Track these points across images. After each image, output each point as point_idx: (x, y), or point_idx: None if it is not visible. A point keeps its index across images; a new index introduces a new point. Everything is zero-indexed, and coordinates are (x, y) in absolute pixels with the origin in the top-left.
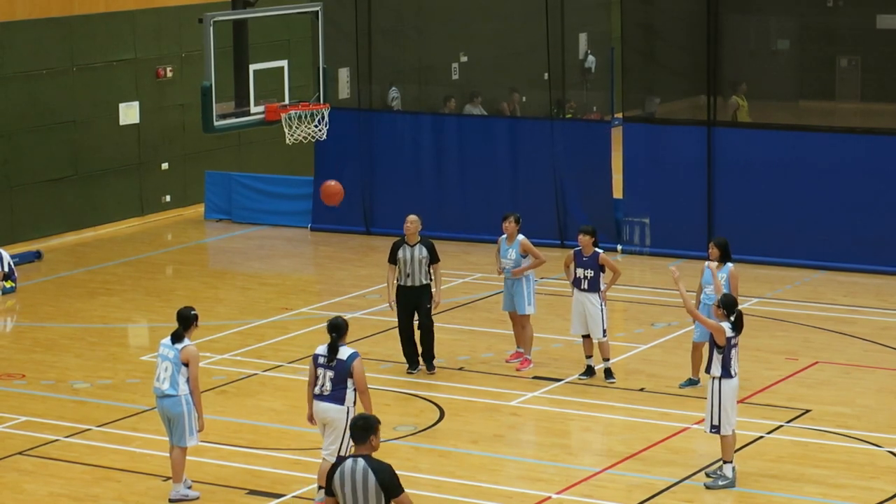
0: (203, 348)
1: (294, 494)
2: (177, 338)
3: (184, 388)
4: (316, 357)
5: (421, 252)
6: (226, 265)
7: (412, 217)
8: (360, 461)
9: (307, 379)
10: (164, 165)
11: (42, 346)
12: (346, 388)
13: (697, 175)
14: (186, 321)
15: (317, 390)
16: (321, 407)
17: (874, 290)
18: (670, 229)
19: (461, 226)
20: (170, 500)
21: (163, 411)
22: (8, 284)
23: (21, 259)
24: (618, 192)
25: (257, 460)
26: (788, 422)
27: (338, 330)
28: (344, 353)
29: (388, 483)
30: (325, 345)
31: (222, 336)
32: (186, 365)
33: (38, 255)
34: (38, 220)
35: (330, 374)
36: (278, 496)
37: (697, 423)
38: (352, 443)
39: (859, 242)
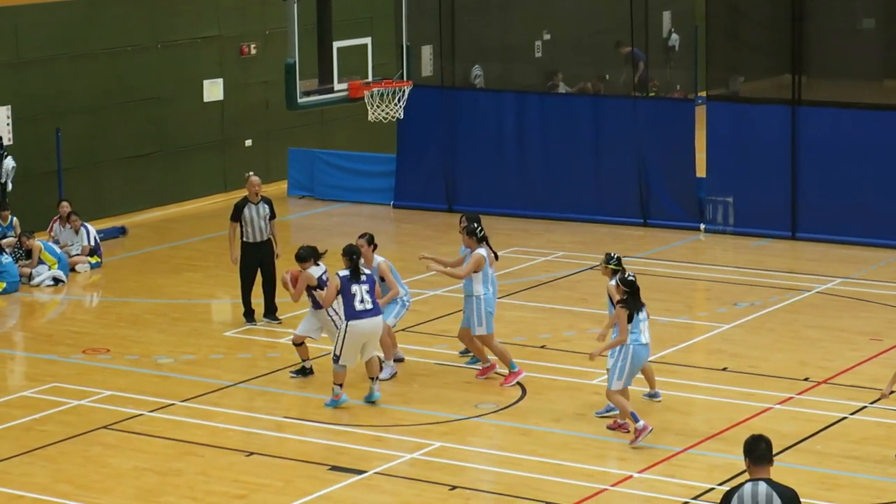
0: (286, 324)
1: (376, 471)
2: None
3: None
4: (345, 278)
5: (264, 210)
6: (308, 242)
7: (256, 178)
8: (762, 485)
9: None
10: (248, 142)
11: (126, 321)
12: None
13: (781, 154)
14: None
15: (360, 307)
16: (374, 322)
17: None
18: (754, 208)
19: (543, 204)
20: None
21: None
22: (93, 260)
23: (106, 234)
24: (701, 171)
25: (339, 436)
26: (872, 403)
27: (357, 252)
28: (364, 268)
29: None
30: (347, 269)
31: (304, 313)
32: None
33: (122, 231)
34: (123, 195)
35: (365, 287)
36: (360, 472)
37: (780, 403)
38: (749, 465)
39: None
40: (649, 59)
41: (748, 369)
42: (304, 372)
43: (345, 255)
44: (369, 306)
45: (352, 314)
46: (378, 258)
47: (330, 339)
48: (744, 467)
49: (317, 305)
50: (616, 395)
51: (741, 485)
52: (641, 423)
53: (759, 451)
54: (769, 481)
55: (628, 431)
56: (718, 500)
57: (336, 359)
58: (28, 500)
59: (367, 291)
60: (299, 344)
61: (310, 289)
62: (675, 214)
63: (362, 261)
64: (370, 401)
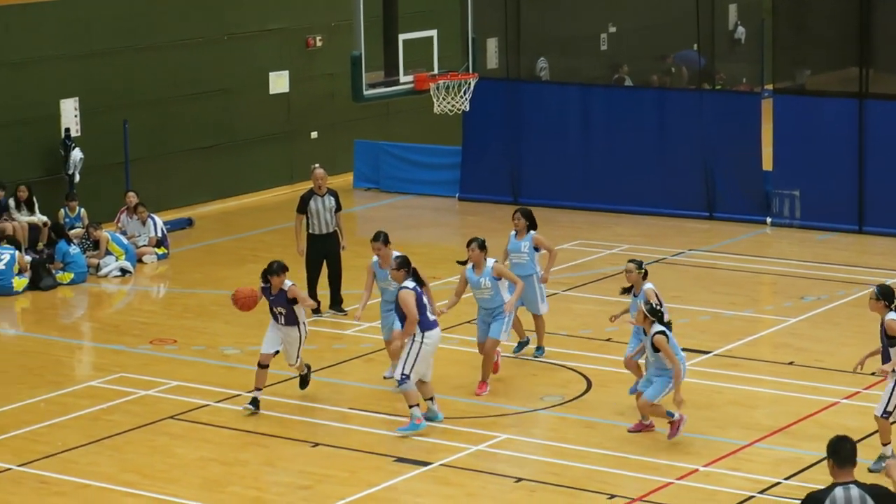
0: (352, 315)
1: (441, 462)
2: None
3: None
4: (416, 289)
5: (329, 202)
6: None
7: (321, 171)
8: (854, 489)
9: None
10: (314, 134)
11: (192, 312)
12: None
13: (848, 147)
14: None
15: (431, 317)
16: (438, 331)
17: None
18: (820, 202)
19: (608, 197)
20: None
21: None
22: (160, 251)
23: (173, 226)
24: (767, 165)
25: None
26: None
27: (408, 262)
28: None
29: None
30: (412, 280)
31: (370, 304)
32: None
33: (189, 223)
34: (189, 187)
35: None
36: (425, 464)
37: (847, 397)
38: (834, 468)
39: None
40: (715, 51)
41: (814, 363)
42: (257, 403)
43: (402, 268)
44: (433, 317)
45: (426, 324)
46: (490, 261)
47: (284, 357)
48: (809, 461)
49: (290, 320)
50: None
51: (829, 489)
52: (676, 414)
53: (844, 452)
54: (858, 483)
55: (652, 429)
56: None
57: (405, 378)
58: (94, 489)
59: (429, 300)
60: (265, 366)
61: (289, 302)
62: (741, 208)
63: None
64: (435, 421)
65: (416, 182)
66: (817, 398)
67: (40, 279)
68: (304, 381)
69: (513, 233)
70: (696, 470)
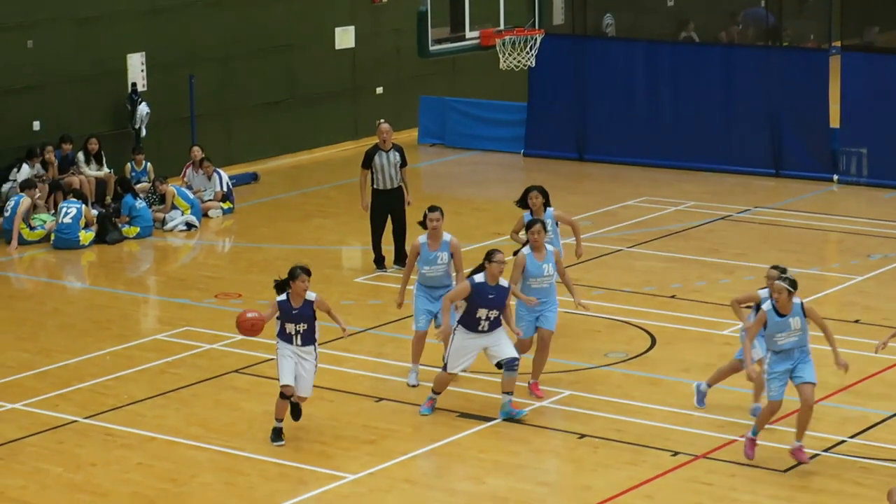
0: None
1: (502, 418)
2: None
3: None
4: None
5: (394, 157)
6: (439, 190)
7: (386, 126)
8: None
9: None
10: (379, 90)
11: (258, 266)
12: None
13: None
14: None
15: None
16: None
17: None
18: (888, 160)
19: (674, 154)
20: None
21: None
22: (226, 205)
23: (238, 181)
24: (835, 122)
25: (468, 384)
26: None
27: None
28: None
29: None
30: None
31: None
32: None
33: (254, 177)
34: (255, 142)
35: None
36: (488, 419)
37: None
38: None
39: None
40: (783, 8)
41: (881, 322)
42: (281, 434)
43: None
44: None
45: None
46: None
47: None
48: (875, 420)
49: (308, 339)
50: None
51: None
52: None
53: None
54: None
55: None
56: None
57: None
58: (160, 442)
59: None
60: (288, 396)
61: (313, 316)
62: (807, 165)
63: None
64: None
65: (481, 138)
66: (884, 356)
67: (106, 233)
68: (297, 410)
69: (527, 213)
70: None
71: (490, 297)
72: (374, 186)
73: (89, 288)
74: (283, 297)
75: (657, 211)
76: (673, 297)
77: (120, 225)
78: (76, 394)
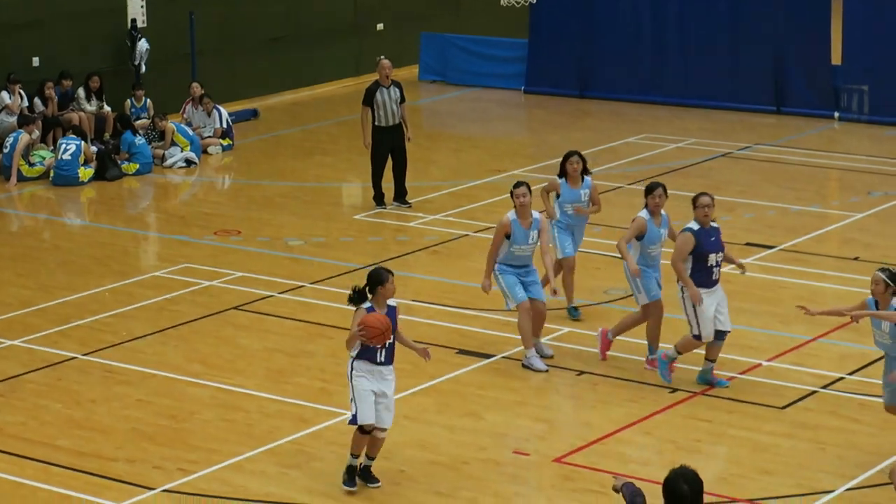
0: (416, 208)
1: (503, 355)
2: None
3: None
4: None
5: (395, 93)
6: (439, 127)
7: (387, 62)
8: None
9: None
10: (380, 26)
11: (258, 203)
12: None
13: None
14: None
15: None
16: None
17: None
18: (889, 97)
19: (676, 91)
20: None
21: None
22: (225, 142)
23: (238, 117)
24: (836, 59)
25: (467, 321)
26: None
27: None
28: None
29: None
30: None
31: (435, 197)
32: None
33: (254, 114)
34: (256, 79)
35: None
36: (488, 356)
37: None
38: None
39: None
40: None
41: (881, 259)
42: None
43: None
44: None
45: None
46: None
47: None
48: (873, 357)
49: (391, 356)
50: None
51: None
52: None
53: None
54: None
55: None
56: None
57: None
58: (160, 379)
59: None
60: (368, 432)
61: (395, 330)
62: (809, 102)
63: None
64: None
65: (481, 75)
66: None
67: (106, 170)
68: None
69: (562, 180)
70: (760, 364)
71: (712, 239)
72: (375, 123)
73: (89, 225)
74: (367, 304)
75: (658, 148)
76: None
77: (119, 161)
78: (76, 330)
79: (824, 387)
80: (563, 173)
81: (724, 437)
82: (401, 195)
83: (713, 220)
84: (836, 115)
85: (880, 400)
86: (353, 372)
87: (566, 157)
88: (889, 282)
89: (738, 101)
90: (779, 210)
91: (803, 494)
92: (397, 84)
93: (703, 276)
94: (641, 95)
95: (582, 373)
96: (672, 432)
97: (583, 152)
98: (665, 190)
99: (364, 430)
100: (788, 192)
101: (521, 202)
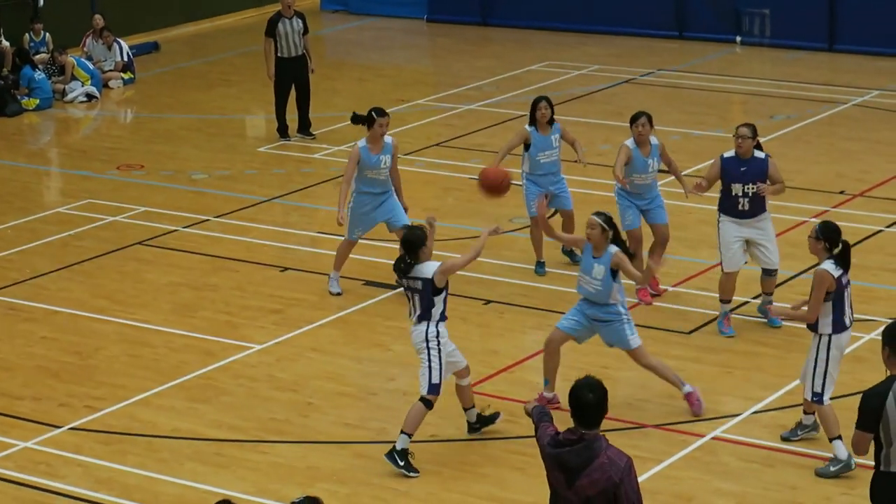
0: (320, 139)
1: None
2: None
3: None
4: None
5: (298, 24)
6: (342, 56)
7: None
8: None
9: None
10: None
11: (161, 136)
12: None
13: None
14: (360, 120)
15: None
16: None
17: None
18: (790, 20)
19: (578, 17)
20: None
21: None
22: (126, 76)
23: (138, 50)
24: None
25: (374, 251)
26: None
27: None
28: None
29: None
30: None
31: (339, 127)
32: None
33: (155, 47)
34: (155, 10)
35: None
36: (394, 287)
37: (815, 216)
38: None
39: None
40: None
41: (787, 183)
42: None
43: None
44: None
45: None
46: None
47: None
48: (780, 280)
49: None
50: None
51: (888, 382)
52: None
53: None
54: None
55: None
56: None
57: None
58: (65, 315)
59: None
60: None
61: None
62: (710, 26)
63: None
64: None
65: (384, 3)
66: (786, 217)
67: (5, 105)
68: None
69: (531, 128)
70: (666, 290)
71: (742, 170)
72: (278, 54)
73: None
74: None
75: (561, 75)
76: (576, 161)
77: (19, 97)
78: None
79: (730, 311)
80: (532, 121)
81: (631, 363)
82: (305, 126)
83: (764, 153)
84: (738, 38)
85: (787, 323)
86: (440, 338)
87: (535, 104)
88: (605, 226)
89: (641, 27)
90: (682, 135)
91: (711, 418)
92: (300, 15)
93: (729, 204)
94: (544, 22)
95: (489, 301)
96: (579, 359)
97: (487, 80)
98: (650, 119)
99: (430, 404)
100: (691, 116)
101: (380, 133)
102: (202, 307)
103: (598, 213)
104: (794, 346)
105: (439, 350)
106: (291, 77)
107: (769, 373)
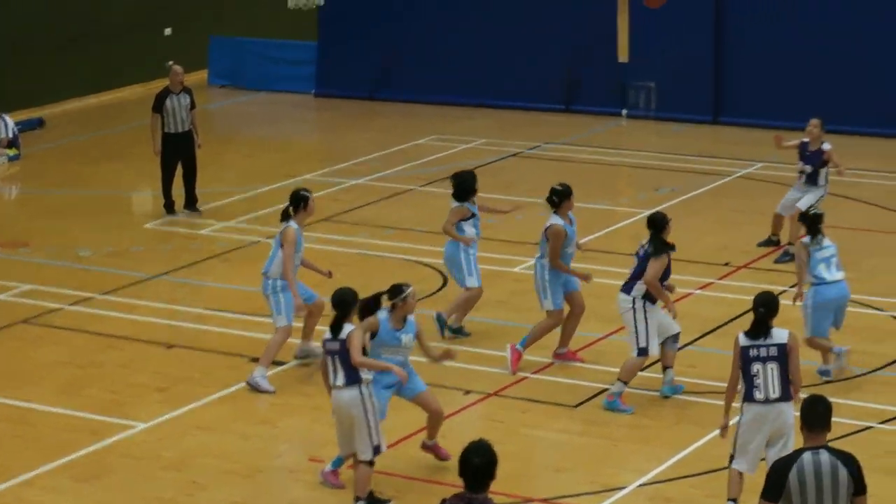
0: (207, 215)
1: (295, 363)
2: (284, 218)
3: (275, 271)
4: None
5: (185, 100)
6: (230, 131)
7: (179, 68)
8: (824, 454)
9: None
10: (167, 31)
11: (46, 213)
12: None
13: (704, 38)
14: (295, 201)
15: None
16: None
17: (883, 154)
18: (675, 93)
19: (465, 91)
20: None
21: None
22: (11, 152)
23: (24, 126)
24: (623, 56)
25: (260, 327)
26: (792, 286)
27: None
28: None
29: (860, 475)
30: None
31: (228, 203)
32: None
33: (40, 123)
34: (43, 86)
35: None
36: (279, 363)
37: (701, 287)
38: (805, 431)
39: (870, 105)
40: None
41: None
42: None
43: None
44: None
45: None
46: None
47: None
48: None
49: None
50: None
51: (797, 454)
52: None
53: (816, 414)
54: (829, 449)
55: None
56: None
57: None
58: None
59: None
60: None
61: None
62: (597, 100)
63: None
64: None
65: (272, 78)
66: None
67: None
68: None
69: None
70: (553, 363)
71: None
72: (165, 130)
73: None
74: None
75: (449, 149)
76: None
77: None
78: None
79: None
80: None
81: (517, 437)
82: (191, 202)
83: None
84: (624, 112)
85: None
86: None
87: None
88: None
89: (528, 101)
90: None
91: (597, 492)
92: (188, 90)
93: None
94: (432, 96)
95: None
96: (467, 433)
97: (373, 155)
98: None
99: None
100: (578, 189)
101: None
102: (88, 385)
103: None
104: (681, 417)
105: (375, 413)
106: (178, 153)
107: (656, 445)
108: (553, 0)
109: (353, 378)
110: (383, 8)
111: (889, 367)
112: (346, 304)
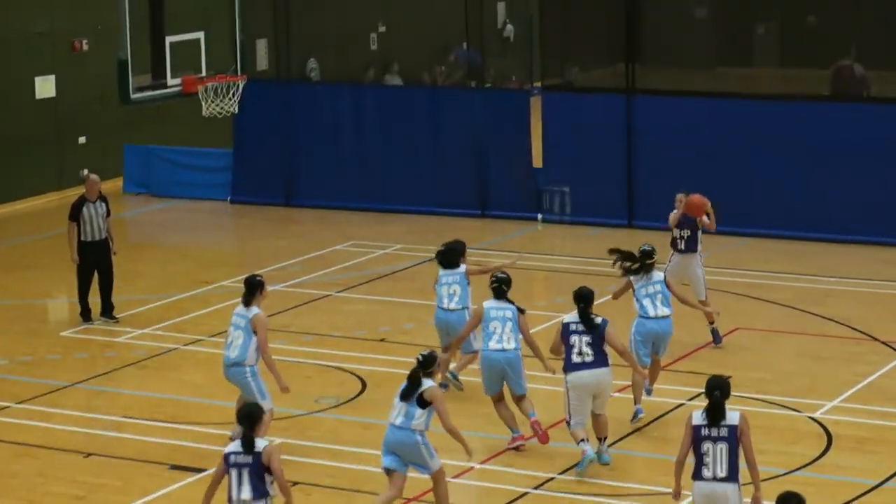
0: (124, 323)
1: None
2: (246, 305)
3: (251, 358)
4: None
5: (101, 208)
6: (145, 239)
7: (95, 177)
8: None
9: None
10: (82, 139)
11: None
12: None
13: (617, 143)
14: (252, 288)
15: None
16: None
17: (793, 256)
18: (591, 198)
19: (381, 196)
20: None
21: (230, 379)
22: None
23: None
24: (538, 162)
25: (179, 435)
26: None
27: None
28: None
29: None
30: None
31: (143, 310)
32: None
33: None
34: None
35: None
36: (200, 470)
37: (620, 391)
38: None
39: (778, 209)
40: (484, 49)
41: None
42: None
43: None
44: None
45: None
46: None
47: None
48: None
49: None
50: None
51: None
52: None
53: None
54: None
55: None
56: None
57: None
58: None
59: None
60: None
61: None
62: (512, 205)
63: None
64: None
65: (187, 185)
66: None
67: None
68: None
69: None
70: (472, 468)
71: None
72: (81, 238)
73: None
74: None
75: (365, 255)
76: (382, 340)
77: None
78: None
79: (536, 487)
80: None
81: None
82: (107, 310)
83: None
84: (540, 216)
85: (592, 498)
86: None
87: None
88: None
89: (443, 206)
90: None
91: None
92: (103, 198)
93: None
94: (348, 202)
95: (295, 483)
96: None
97: (290, 262)
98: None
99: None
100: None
101: None
102: (2, 494)
103: None
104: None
105: None
106: (94, 260)
107: None
108: (466, 105)
109: (260, 492)
110: (298, 114)
111: (807, 468)
112: (253, 418)
